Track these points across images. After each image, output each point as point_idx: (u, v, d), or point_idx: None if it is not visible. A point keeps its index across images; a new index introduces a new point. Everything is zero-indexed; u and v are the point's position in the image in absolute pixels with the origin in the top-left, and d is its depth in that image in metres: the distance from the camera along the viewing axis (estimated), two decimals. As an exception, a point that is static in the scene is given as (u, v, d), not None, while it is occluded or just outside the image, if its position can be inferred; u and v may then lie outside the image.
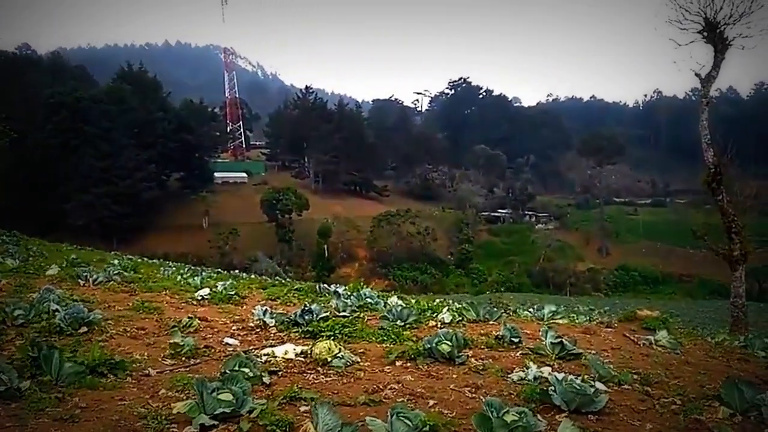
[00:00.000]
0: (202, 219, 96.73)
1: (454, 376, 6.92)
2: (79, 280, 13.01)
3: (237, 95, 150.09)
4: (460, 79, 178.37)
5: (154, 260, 36.78)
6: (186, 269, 26.04)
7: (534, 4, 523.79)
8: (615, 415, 5.79)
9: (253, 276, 33.58)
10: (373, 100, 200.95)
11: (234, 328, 9.59)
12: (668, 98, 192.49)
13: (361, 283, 15.74)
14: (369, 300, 12.36)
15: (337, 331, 8.83)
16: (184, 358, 7.34)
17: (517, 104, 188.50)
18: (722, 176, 19.79)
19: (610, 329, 11.08)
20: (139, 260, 30.87)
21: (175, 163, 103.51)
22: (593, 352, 8.71)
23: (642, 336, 10.40)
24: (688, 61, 20.63)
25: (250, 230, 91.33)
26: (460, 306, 12.20)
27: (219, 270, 37.26)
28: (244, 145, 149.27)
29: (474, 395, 6.19)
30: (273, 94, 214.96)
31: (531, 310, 15.04)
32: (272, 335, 9.09)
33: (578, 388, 5.77)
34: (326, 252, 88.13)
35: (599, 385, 6.66)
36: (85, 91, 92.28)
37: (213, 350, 7.91)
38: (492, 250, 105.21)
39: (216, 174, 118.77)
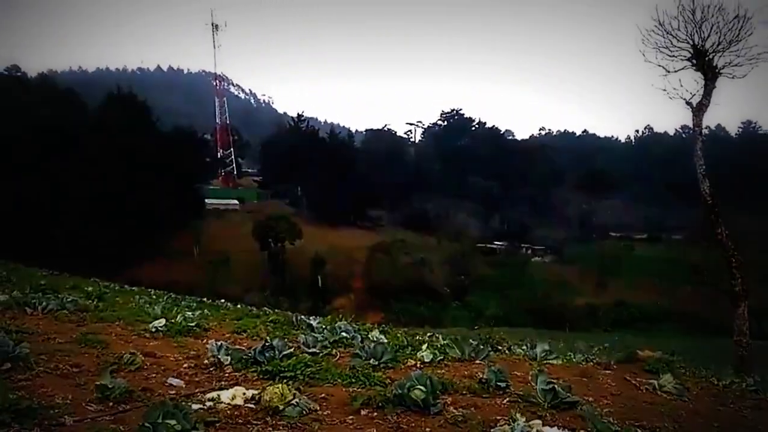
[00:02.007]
0: (193, 247, 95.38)
1: (427, 429, 5.88)
2: (27, 308, 11.95)
3: (228, 121, 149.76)
4: (452, 110, 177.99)
5: (134, 288, 35.58)
6: (165, 298, 24.97)
7: (525, 34, 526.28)
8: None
9: (238, 306, 32.42)
10: (365, 130, 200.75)
11: (185, 365, 8.53)
12: (659, 134, 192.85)
13: (344, 317, 14.70)
14: (344, 334, 11.33)
15: (299, 371, 7.79)
16: (111, 404, 6.27)
17: (510, 137, 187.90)
18: (719, 208, 18.93)
19: (608, 371, 10.04)
20: (117, 288, 29.76)
21: (165, 190, 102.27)
22: (590, 399, 7.69)
23: (644, 380, 9.38)
24: (679, 90, 19.90)
25: (242, 259, 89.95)
26: (443, 342, 11.18)
27: (203, 299, 36.05)
28: (235, 172, 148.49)
29: (448, 457, 5.16)
30: (265, 122, 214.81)
31: (525, 347, 13.99)
32: (226, 375, 8.04)
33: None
34: (320, 282, 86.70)
35: (598, 444, 5.65)
36: (74, 115, 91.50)
37: (151, 394, 6.85)
38: (488, 283, 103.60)
39: (207, 201, 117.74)
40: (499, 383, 7.59)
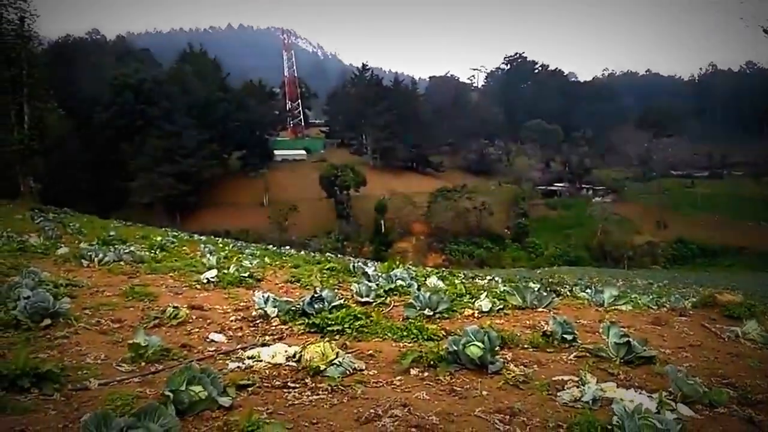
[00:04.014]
0: (263, 196, 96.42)
1: (485, 392, 4.97)
2: (83, 261, 11.57)
3: (296, 74, 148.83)
4: (516, 54, 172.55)
5: (202, 237, 35.73)
6: (230, 246, 24.73)
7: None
8: (712, 466, 3.78)
9: (302, 253, 32.13)
10: (429, 77, 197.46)
11: (232, 318, 7.87)
12: (723, 72, 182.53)
13: (403, 262, 13.84)
14: (400, 281, 10.48)
15: (347, 325, 7.00)
16: (144, 363, 5.63)
17: (573, 79, 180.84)
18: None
19: (684, 318, 8.87)
20: (186, 237, 29.79)
21: (236, 142, 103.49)
22: (668, 352, 6.62)
23: (725, 327, 8.19)
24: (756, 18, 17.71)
25: (309, 207, 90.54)
26: (503, 289, 10.19)
27: (269, 247, 35.98)
28: (303, 123, 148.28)
29: (507, 428, 4.24)
30: (332, 74, 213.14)
31: (589, 290, 12.86)
32: (272, 329, 7.33)
33: (658, 425, 3.76)
34: (383, 227, 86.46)
35: (684, 409, 4.63)
36: (148, 74, 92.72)
37: (189, 351, 6.19)
38: (549, 224, 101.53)
39: (276, 152, 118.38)
40: (564, 335, 6.59)
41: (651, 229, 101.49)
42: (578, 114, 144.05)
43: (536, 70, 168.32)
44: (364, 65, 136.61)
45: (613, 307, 9.54)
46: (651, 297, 15.02)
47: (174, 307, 7.53)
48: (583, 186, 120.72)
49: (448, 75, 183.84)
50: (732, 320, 8.77)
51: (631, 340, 5.95)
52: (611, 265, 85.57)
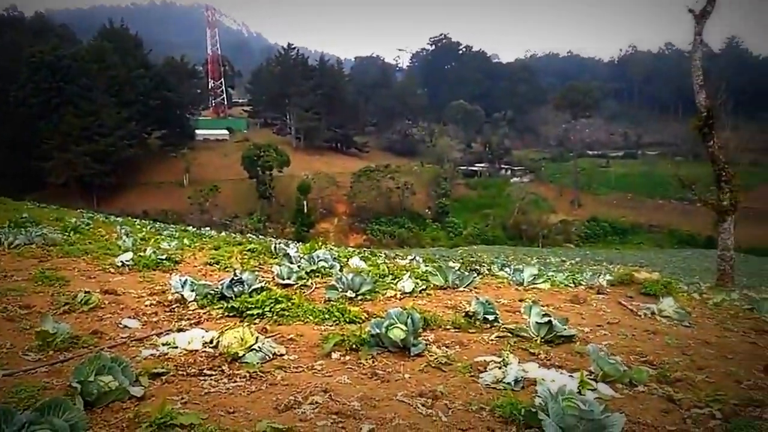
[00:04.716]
0: (183, 176, 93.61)
1: (407, 375, 4.87)
2: (-8, 244, 10.81)
3: (219, 52, 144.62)
4: (441, 35, 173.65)
5: (119, 218, 34.24)
6: (148, 227, 23.80)
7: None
8: (633, 446, 3.81)
9: (223, 234, 31.32)
10: (354, 58, 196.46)
11: (147, 303, 7.46)
12: (642, 53, 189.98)
13: (326, 242, 13.60)
14: (323, 263, 10.28)
15: (267, 308, 6.74)
16: (52, 352, 5.22)
17: (495, 60, 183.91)
18: (714, 121, 17.79)
19: (602, 295, 9.12)
20: (102, 219, 28.46)
21: (156, 121, 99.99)
22: (587, 330, 6.74)
23: (641, 304, 8.45)
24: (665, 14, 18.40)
25: (230, 187, 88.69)
26: (425, 269, 10.17)
27: (188, 228, 34.92)
28: (225, 103, 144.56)
29: (430, 411, 4.15)
30: (256, 53, 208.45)
31: (507, 269, 13.06)
32: (189, 313, 6.98)
33: (582, 407, 3.74)
34: (305, 208, 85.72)
35: (605, 389, 4.68)
36: (66, 50, 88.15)
37: (100, 338, 5.80)
38: (468, 204, 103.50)
39: (197, 131, 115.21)
40: (486, 316, 6.59)
41: (566, 208, 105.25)
42: (500, 95, 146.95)
43: (460, 51, 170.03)
44: (289, 44, 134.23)
45: (532, 286, 9.69)
46: (566, 275, 15.47)
47: (86, 292, 7.09)
48: (503, 166, 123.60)
49: (374, 56, 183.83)
50: (648, 297, 9.08)
51: (552, 319, 6.00)
52: (526, 243, 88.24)
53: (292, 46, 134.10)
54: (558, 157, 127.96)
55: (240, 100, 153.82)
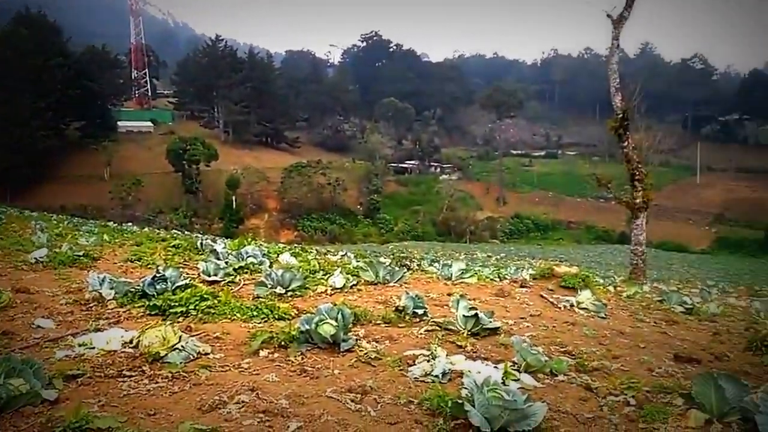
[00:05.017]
0: (104, 169, 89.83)
1: (336, 371, 4.84)
2: None
3: (143, 41, 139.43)
4: (371, 32, 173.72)
5: (34, 213, 32.47)
6: (65, 222, 22.71)
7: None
8: (554, 433, 3.91)
9: (146, 230, 30.27)
10: (285, 51, 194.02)
11: (62, 302, 7.11)
12: (563, 57, 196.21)
13: (256, 239, 13.36)
14: (251, 259, 10.09)
15: (192, 306, 6.56)
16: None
17: (425, 59, 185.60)
18: (629, 122, 18.54)
19: (525, 288, 9.36)
20: (15, 213, 26.96)
21: (75, 112, 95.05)
22: (511, 322, 6.89)
23: (561, 296, 8.73)
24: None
25: (155, 181, 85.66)
26: (356, 265, 10.16)
27: (108, 223, 33.54)
28: (150, 94, 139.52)
29: (359, 407, 4.13)
30: (183, 43, 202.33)
31: (436, 264, 13.24)
32: (108, 312, 6.70)
33: (506, 397, 3.81)
34: (234, 203, 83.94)
35: (528, 379, 4.79)
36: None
37: (11, 339, 5.48)
38: (399, 201, 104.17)
39: (119, 123, 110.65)
40: (416, 310, 6.64)
41: (492, 206, 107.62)
42: (429, 94, 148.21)
43: (391, 49, 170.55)
44: (217, 36, 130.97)
45: (460, 281, 9.84)
46: (492, 270, 15.82)
47: (-7, 290, 6.68)
48: (432, 164, 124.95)
49: (305, 50, 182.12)
50: (567, 290, 9.39)
51: (478, 312, 6.10)
52: (455, 239, 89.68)
53: (221, 38, 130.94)
54: (484, 156, 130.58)
55: (165, 92, 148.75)
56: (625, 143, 18.73)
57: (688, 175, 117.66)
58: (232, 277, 8.77)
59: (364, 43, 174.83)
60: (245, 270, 9.47)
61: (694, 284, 26.77)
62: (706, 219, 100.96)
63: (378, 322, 6.43)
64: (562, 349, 5.84)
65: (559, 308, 8.05)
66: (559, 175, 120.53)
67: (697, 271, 50.71)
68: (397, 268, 9.58)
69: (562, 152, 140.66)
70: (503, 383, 4.26)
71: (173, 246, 12.48)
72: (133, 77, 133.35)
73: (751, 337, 4.74)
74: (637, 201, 18.86)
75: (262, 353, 5.21)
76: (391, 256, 15.28)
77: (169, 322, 5.81)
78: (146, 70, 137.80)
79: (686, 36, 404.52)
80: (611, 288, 12.79)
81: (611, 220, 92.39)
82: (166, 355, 4.89)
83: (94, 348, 5.10)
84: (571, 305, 8.13)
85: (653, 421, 4.09)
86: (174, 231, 31.15)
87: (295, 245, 30.19)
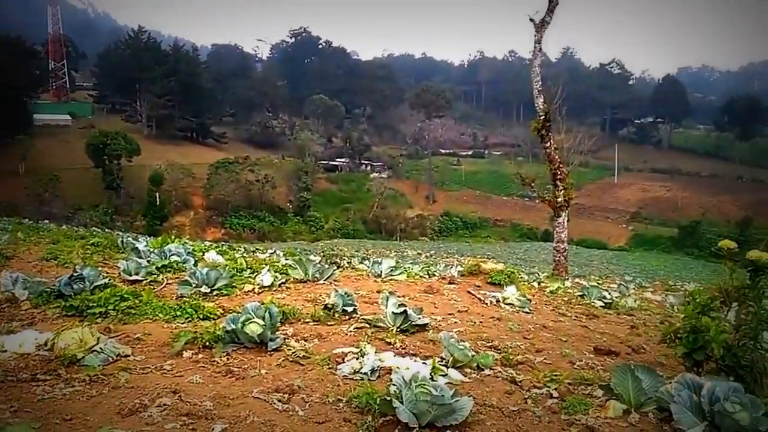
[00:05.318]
0: (18, 164, 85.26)
1: (264, 371, 4.74)
2: None
3: (61, 32, 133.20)
4: (301, 28, 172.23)
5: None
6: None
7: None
8: (480, 426, 3.95)
9: (64, 227, 28.92)
10: (211, 45, 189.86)
11: (-30, 304, 6.67)
12: (489, 59, 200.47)
13: (180, 236, 12.94)
14: (175, 257, 9.78)
15: (111, 306, 6.28)
16: None
17: (355, 57, 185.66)
18: (551, 124, 19.10)
19: (453, 285, 9.47)
20: None
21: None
22: (439, 318, 6.96)
23: (488, 292, 8.89)
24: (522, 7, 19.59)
25: (73, 177, 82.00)
26: (285, 263, 10.02)
27: (23, 220, 31.85)
28: (67, 86, 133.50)
29: (287, 407, 4.06)
30: (104, 34, 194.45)
31: (366, 262, 13.24)
32: (21, 313, 6.34)
33: (433, 392, 3.84)
34: (158, 200, 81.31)
35: (455, 374, 4.83)
36: None
37: None
38: (330, 198, 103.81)
39: (36, 116, 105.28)
40: (345, 307, 6.59)
41: (421, 204, 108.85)
42: (359, 92, 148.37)
43: (320, 46, 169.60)
44: (140, 27, 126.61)
45: (390, 278, 9.87)
46: (421, 267, 15.97)
47: None
48: (363, 162, 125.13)
49: (232, 44, 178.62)
50: (494, 286, 9.57)
51: (407, 309, 6.12)
52: (386, 237, 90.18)
53: (144, 29, 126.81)
54: (414, 155, 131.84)
55: (85, 84, 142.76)
56: (548, 144, 19.29)
57: (606, 175, 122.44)
58: (155, 276, 8.47)
59: (293, 39, 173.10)
60: (169, 269, 9.17)
61: (613, 280, 27.88)
62: (624, 217, 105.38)
63: (307, 320, 6.36)
64: (489, 344, 5.93)
65: (486, 304, 8.19)
66: (486, 174, 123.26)
67: (615, 267, 52.94)
68: (326, 266, 9.51)
69: (489, 152, 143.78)
70: (431, 379, 4.29)
71: (92, 244, 11.95)
72: (50, 69, 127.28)
73: (666, 329, 4.92)
74: (559, 200, 19.46)
75: (186, 354, 5.05)
76: (321, 254, 15.16)
77: (86, 324, 5.58)
78: (64, 61, 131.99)
79: (605, 42, 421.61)
80: (535, 284, 13.11)
81: (535, 219, 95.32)
82: (84, 357, 4.67)
83: (6, 351, 4.83)
84: (498, 301, 8.28)
85: (575, 412, 4.20)
86: (94, 229, 29.92)
87: (222, 243, 29.57)
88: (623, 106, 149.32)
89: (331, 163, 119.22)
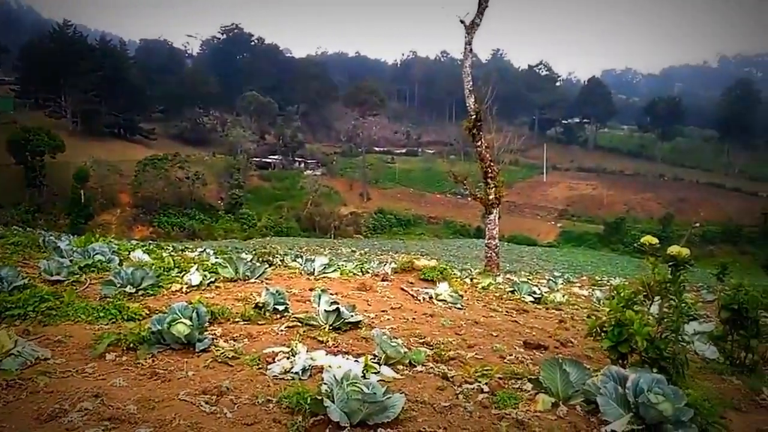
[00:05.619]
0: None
1: (191, 373, 4.60)
2: None
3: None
4: (232, 24, 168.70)
5: None
6: None
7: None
8: (412, 423, 3.96)
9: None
10: (140, 40, 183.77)
11: None
12: (422, 59, 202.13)
13: (106, 235, 12.48)
14: (99, 256, 9.41)
15: (30, 308, 5.97)
16: None
17: (288, 54, 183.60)
18: (482, 123, 19.41)
19: (386, 282, 9.49)
20: None
21: None
22: (372, 315, 6.95)
23: (421, 289, 8.95)
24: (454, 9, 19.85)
25: (-8, 174, 77.95)
26: (215, 261, 9.80)
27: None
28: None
29: (214, 408, 3.95)
30: (27, 27, 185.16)
31: (299, 260, 13.12)
32: (-71, 318, 5.94)
33: (365, 390, 3.82)
34: (83, 198, 78.10)
35: (388, 371, 4.83)
36: None
37: None
38: (263, 196, 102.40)
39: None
40: (277, 306, 6.50)
41: (356, 201, 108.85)
42: (292, 89, 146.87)
43: (252, 42, 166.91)
44: (65, 20, 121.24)
45: (323, 275, 9.80)
46: (355, 264, 15.96)
47: None
48: (296, 159, 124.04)
49: (161, 39, 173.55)
50: (427, 283, 9.64)
51: (339, 306, 6.08)
52: (320, 235, 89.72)
53: (69, 23, 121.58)
54: (348, 152, 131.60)
55: (6, 79, 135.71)
56: (479, 143, 19.61)
57: (535, 174, 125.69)
58: (77, 276, 8.12)
59: (225, 36, 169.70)
60: (92, 268, 8.82)
61: (542, 275, 28.62)
62: (553, 214, 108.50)
63: (237, 319, 6.23)
64: (421, 340, 5.97)
65: (419, 300, 8.25)
66: (420, 172, 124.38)
67: (544, 263, 54.36)
68: (258, 264, 9.36)
69: (422, 150, 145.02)
70: (363, 377, 4.27)
71: (12, 243, 11.37)
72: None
73: (592, 323, 5.08)
74: (491, 197, 19.82)
75: (109, 357, 4.85)
76: (253, 252, 14.92)
77: (4, 326, 5.29)
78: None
79: (533, 44, 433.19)
80: (468, 280, 13.33)
81: (468, 216, 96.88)
82: (0, 361, 4.42)
83: None
84: (430, 297, 8.36)
85: (505, 406, 4.27)
86: (15, 228, 28.40)
87: (150, 242, 28.75)
88: (551, 107, 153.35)
89: (263, 160, 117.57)
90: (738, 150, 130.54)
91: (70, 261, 8.70)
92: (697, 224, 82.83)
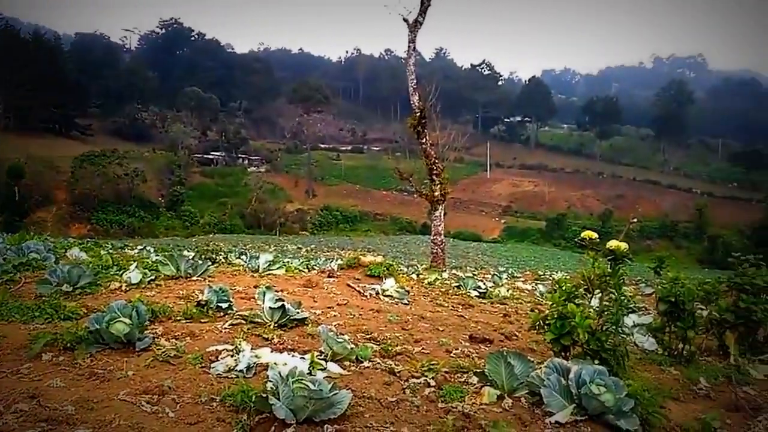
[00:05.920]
0: None
1: (131, 372, 4.48)
2: None
3: None
4: (171, 19, 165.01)
5: None
6: None
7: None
8: (359, 419, 3.96)
9: None
10: (75, 34, 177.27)
11: None
12: (366, 56, 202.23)
13: (42, 232, 12.02)
14: (35, 254, 9.05)
15: (-42, 308, 5.70)
16: None
17: (230, 50, 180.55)
18: (426, 121, 19.58)
19: (332, 279, 9.46)
20: None
21: None
22: (319, 312, 6.92)
23: (367, 285, 8.96)
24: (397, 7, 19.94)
25: None
26: (155, 259, 9.56)
27: None
28: None
29: (156, 408, 3.86)
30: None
31: (244, 257, 12.94)
32: None
33: (311, 387, 3.80)
34: (17, 195, 75.00)
35: (334, 367, 4.82)
36: None
37: None
38: (205, 192, 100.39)
39: None
40: (220, 304, 6.39)
41: (301, 198, 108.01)
42: (235, 85, 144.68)
43: (192, 38, 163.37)
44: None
45: (268, 272, 9.69)
46: (301, 261, 15.85)
47: None
48: (240, 156, 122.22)
49: (98, 33, 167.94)
50: (373, 279, 9.66)
51: (285, 303, 6.02)
52: (265, 232, 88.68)
53: (0, 15, 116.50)
54: (293, 149, 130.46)
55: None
56: (424, 140, 19.77)
57: (479, 171, 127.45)
58: (11, 275, 7.79)
59: (164, 30, 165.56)
60: (27, 267, 8.48)
61: (487, 270, 29.10)
62: (497, 211, 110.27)
63: (178, 318, 6.10)
64: (368, 336, 5.97)
65: (365, 296, 8.26)
66: (365, 168, 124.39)
67: (489, 259, 55.22)
68: (200, 262, 9.18)
69: (368, 147, 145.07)
70: (310, 373, 4.25)
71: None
72: None
73: (535, 317, 5.19)
74: (436, 194, 20.03)
75: (45, 357, 4.68)
76: (196, 250, 14.63)
77: (-74, 330, 5.02)
78: None
79: (475, 44, 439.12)
80: (414, 276, 13.43)
81: (414, 212, 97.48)
82: None
83: None
84: (377, 293, 8.37)
85: (451, 400, 4.32)
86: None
87: (88, 240, 27.84)
88: (493, 106, 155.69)
89: (206, 156, 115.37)
90: (673, 148, 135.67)
91: (4, 259, 8.35)
92: (635, 220, 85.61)
